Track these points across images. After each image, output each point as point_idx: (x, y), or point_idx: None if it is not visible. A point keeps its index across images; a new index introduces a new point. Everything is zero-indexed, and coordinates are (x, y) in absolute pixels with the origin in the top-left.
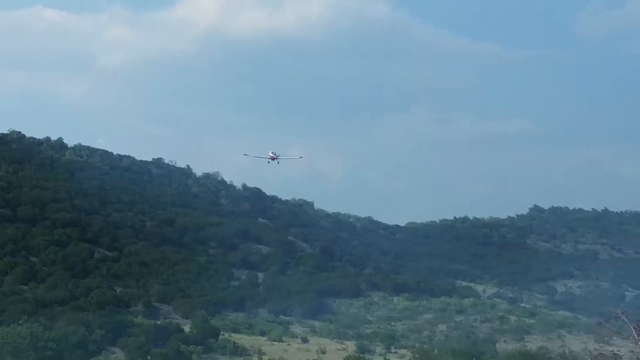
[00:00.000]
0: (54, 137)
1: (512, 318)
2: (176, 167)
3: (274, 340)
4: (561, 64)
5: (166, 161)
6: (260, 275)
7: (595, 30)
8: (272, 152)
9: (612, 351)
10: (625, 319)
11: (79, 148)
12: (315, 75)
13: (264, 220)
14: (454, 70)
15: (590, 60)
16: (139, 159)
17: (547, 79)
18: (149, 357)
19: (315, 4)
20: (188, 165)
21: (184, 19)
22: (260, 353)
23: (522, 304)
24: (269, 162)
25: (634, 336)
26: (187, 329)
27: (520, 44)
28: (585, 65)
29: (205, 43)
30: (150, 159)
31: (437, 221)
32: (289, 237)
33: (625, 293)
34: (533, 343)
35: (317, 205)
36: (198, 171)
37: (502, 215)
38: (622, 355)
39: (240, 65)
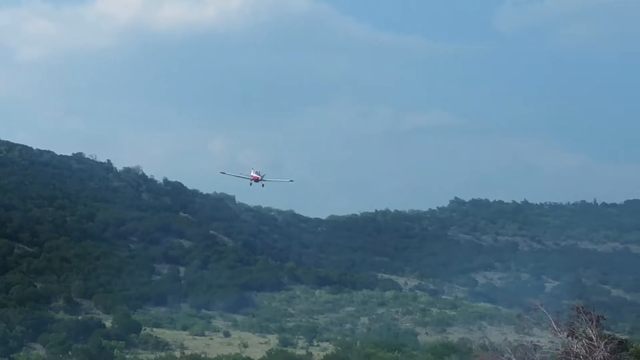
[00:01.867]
0: None
1: (434, 310)
2: (97, 162)
3: (196, 335)
4: (482, 58)
5: (86, 156)
6: (182, 269)
7: (515, 24)
8: (256, 172)
9: (532, 342)
10: (544, 310)
11: None
12: (236, 69)
13: (185, 215)
14: (376, 64)
15: (510, 53)
16: (59, 153)
17: (468, 72)
18: (70, 353)
19: None
20: (109, 160)
21: (104, 13)
22: (183, 347)
23: (444, 296)
24: (251, 184)
25: (553, 327)
26: (108, 324)
27: (443, 38)
28: (505, 59)
29: (125, 37)
30: (70, 154)
31: (359, 214)
32: (211, 231)
33: (545, 284)
34: (454, 334)
35: (238, 199)
36: (119, 166)
37: (423, 207)
38: (542, 345)
39: (160, 59)
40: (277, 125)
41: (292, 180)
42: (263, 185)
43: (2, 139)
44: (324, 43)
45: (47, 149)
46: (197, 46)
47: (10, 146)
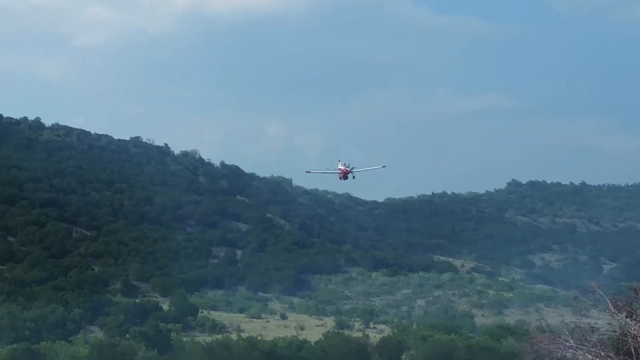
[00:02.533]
0: (31, 117)
1: (490, 292)
2: (154, 146)
3: (252, 317)
4: (538, 39)
5: (144, 140)
6: (239, 252)
7: (574, 5)
8: (344, 164)
9: (589, 323)
10: (601, 293)
11: (56, 128)
12: (294, 52)
13: (242, 198)
14: (433, 46)
15: (567, 34)
16: (117, 138)
17: (525, 53)
18: (127, 336)
19: None
20: (166, 144)
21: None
22: (239, 330)
23: (500, 278)
24: (340, 178)
25: (610, 309)
26: (165, 307)
27: (498, 19)
28: (562, 39)
29: (182, 21)
30: (128, 138)
31: (416, 197)
32: (268, 214)
33: (603, 266)
34: (511, 317)
35: (295, 182)
36: (176, 149)
37: (480, 190)
38: (599, 327)
39: (217, 44)
40: (335, 109)
41: (385, 166)
42: (354, 177)
43: (60, 123)
44: (383, 26)
45: (105, 134)
46: (255, 30)
47: (68, 131)
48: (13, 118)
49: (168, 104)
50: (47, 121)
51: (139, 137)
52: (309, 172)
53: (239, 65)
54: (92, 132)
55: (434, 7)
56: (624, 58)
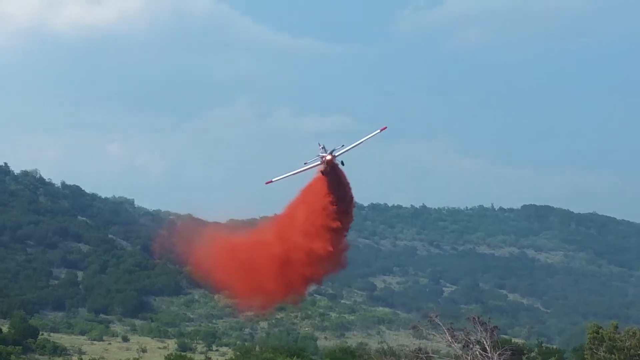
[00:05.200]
0: None
1: (333, 314)
2: None
3: (94, 340)
4: (378, 60)
5: None
6: (80, 274)
7: (414, 28)
8: (324, 149)
9: (429, 347)
10: (439, 322)
11: None
12: (136, 71)
13: (84, 218)
14: (275, 65)
15: (406, 56)
16: None
17: (365, 74)
18: None
19: None
20: (6, 163)
21: (3, 14)
22: (81, 352)
23: (342, 301)
24: (322, 172)
25: (447, 339)
26: (5, 329)
27: (340, 41)
28: (401, 61)
29: (22, 38)
30: None
31: (258, 218)
32: (109, 235)
33: (443, 288)
34: (353, 339)
35: (137, 203)
36: (16, 169)
37: None
38: (440, 350)
39: (60, 60)
40: (176, 128)
41: (385, 127)
42: (343, 164)
43: None
44: (225, 46)
45: None
46: (97, 48)
47: None
48: None
49: (8, 121)
50: None
51: None
52: (271, 181)
53: (81, 83)
54: None
55: (276, 27)
56: (461, 81)
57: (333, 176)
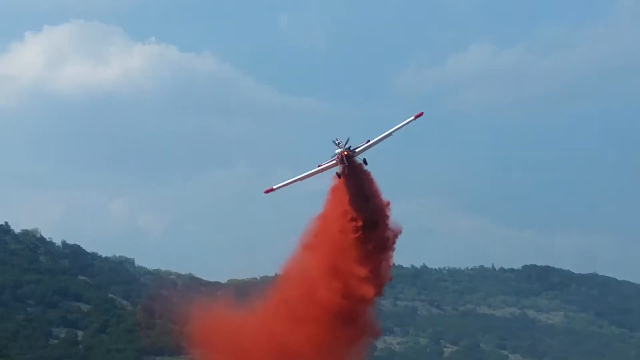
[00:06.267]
0: None
1: None
2: None
3: None
4: (378, 119)
5: None
6: (80, 333)
7: (416, 88)
8: (343, 147)
9: None
10: None
11: None
12: (137, 130)
13: (84, 278)
14: (276, 124)
15: (406, 115)
16: None
17: (366, 132)
18: None
19: (138, 56)
20: (6, 222)
21: (4, 74)
22: None
23: None
24: (339, 174)
25: None
26: None
27: (340, 100)
28: (401, 120)
29: (25, 98)
30: None
31: (258, 278)
32: (110, 295)
33: (444, 349)
34: None
35: (138, 262)
36: (17, 227)
37: None
38: None
39: (62, 120)
40: (177, 188)
41: (422, 113)
42: (366, 162)
43: None
44: (226, 105)
45: None
46: (98, 108)
47: None
48: None
49: (9, 180)
50: None
51: None
52: (272, 189)
53: (82, 142)
54: None
55: (276, 86)
56: (462, 141)
57: (353, 179)
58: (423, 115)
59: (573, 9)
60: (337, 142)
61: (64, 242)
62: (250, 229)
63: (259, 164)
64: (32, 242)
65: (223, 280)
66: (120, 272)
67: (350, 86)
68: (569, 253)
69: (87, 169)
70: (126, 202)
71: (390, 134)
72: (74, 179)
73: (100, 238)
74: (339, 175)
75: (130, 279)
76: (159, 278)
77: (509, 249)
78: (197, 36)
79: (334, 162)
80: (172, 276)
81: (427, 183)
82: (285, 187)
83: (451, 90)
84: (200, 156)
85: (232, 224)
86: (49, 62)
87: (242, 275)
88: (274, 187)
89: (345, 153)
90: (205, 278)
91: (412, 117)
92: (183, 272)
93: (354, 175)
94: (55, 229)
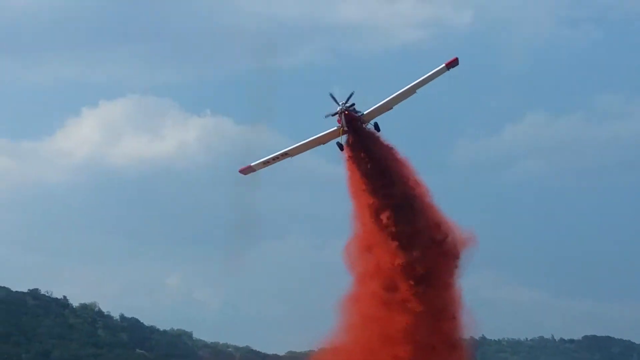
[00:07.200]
0: None
1: None
2: (52, 298)
3: None
4: (435, 190)
5: (42, 292)
6: None
7: (471, 157)
8: (347, 106)
9: None
10: None
11: None
12: (194, 203)
13: (142, 351)
14: (331, 197)
15: (464, 185)
16: (14, 290)
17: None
18: None
19: (193, 129)
20: (65, 296)
21: (61, 149)
22: None
23: None
24: (341, 145)
25: None
26: None
27: None
28: (459, 190)
29: (83, 172)
30: (26, 290)
31: (316, 350)
32: None
33: None
34: None
35: (195, 335)
36: (75, 301)
37: None
38: None
39: (118, 193)
40: (234, 259)
41: (456, 59)
42: (378, 128)
43: None
44: (281, 178)
45: (3, 286)
46: (155, 182)
47: None
48: None
49: (67, 254)
50: None
51: (37, 289)
52: (250, 167)
53: (138, 215)
54: None
55: (331, 159)
56: (520, 211)
57: (364, 150)
58: (458, 65)
59: (630, 79)
60: (335, 97)
61: (122, 316)
62: (307, 300)
63: (314, 235)
64: (91, 316)
65: (281, 352)
66: (178, 345)
67: (408, 156)
68: (630, 323)
69: (144, 242)
70: (183, 274)
71: (413, 90)
72: (131, 252)
73: (157, 311)
74: (341, 147)
75: (188, 352)
76: (217, 351)
77: (568, 319)
78: (252, 108)
79: (335, 129)
80: (229, 349)
81: (485, 254)
82: (269, 165)
83: (507, 159)
84: (254, 228)
85: (289, 296)
86: (105, 136)
87: (300, 347)
88: (252, 164)
89: (347, 113)
90: (263, 351)
91: (443, 65)
92: (241, 345)
93: (363, 145)
94: (113, 302)
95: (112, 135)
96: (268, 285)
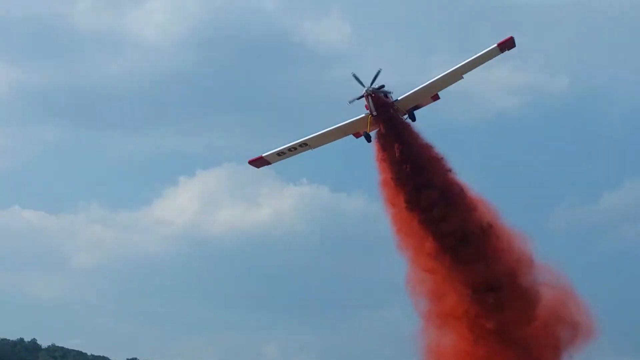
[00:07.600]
0: (27, 339)
1: None
2: None
3: None
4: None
5: None
6: None
7: (569, 225)
8: (374, 89)
9: None
10: None
11: (52, 349)
12: (290, 272)
13: None
14: None
15: (560, 253)
16: (113, 358)
17: None
18: None
19: (289, 198)
20: None
21: (159, 219)
22: None
23: None
24: (368, 135)
25: None
26: None
27: None
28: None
29: (180, 241)
30: (125, 359)
31: None
32: None
33: None
34: None
35: None
36: None
37: None
38: None
39: (215, 263)
40: (328, 330)
41: (511, 38)
42: (413, 117)
43: (57, 344)
44: (377, 245)
45: (102, 355)
46: (252, 248)
47: (65, 352)
48: (9, 339)
49: (164, 324)
50: (44, 342)
51: (135, 358)
52: (262, 159)
53: (235, 284)
54: (89, 353)
55: None
56: (621, 282)
57: (394, 141)
58: (513, 44)
59: None
60: (359, 78)
61: None
62: None
63: (410, 305)
64: None
65: None
66: None
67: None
68: None
69: (240, 311)
70: (279, 344)
71: (459, 74)
72: (228, 321)
73: None
74: (368, 138)
75: None
76: None
77: None
78: (349, 176)
79: (363, 116)
80: None
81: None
82: (285, 157)
83: (607, 227)
84: (351, 298)
85: None
86: (202, 205)
87: None
88: (264, 155)
89: (373, 95)
90: None
91: (495, 45)
92: None
93: (398, 138)
94: None
95: (209, 204)
96: (365, 355)
